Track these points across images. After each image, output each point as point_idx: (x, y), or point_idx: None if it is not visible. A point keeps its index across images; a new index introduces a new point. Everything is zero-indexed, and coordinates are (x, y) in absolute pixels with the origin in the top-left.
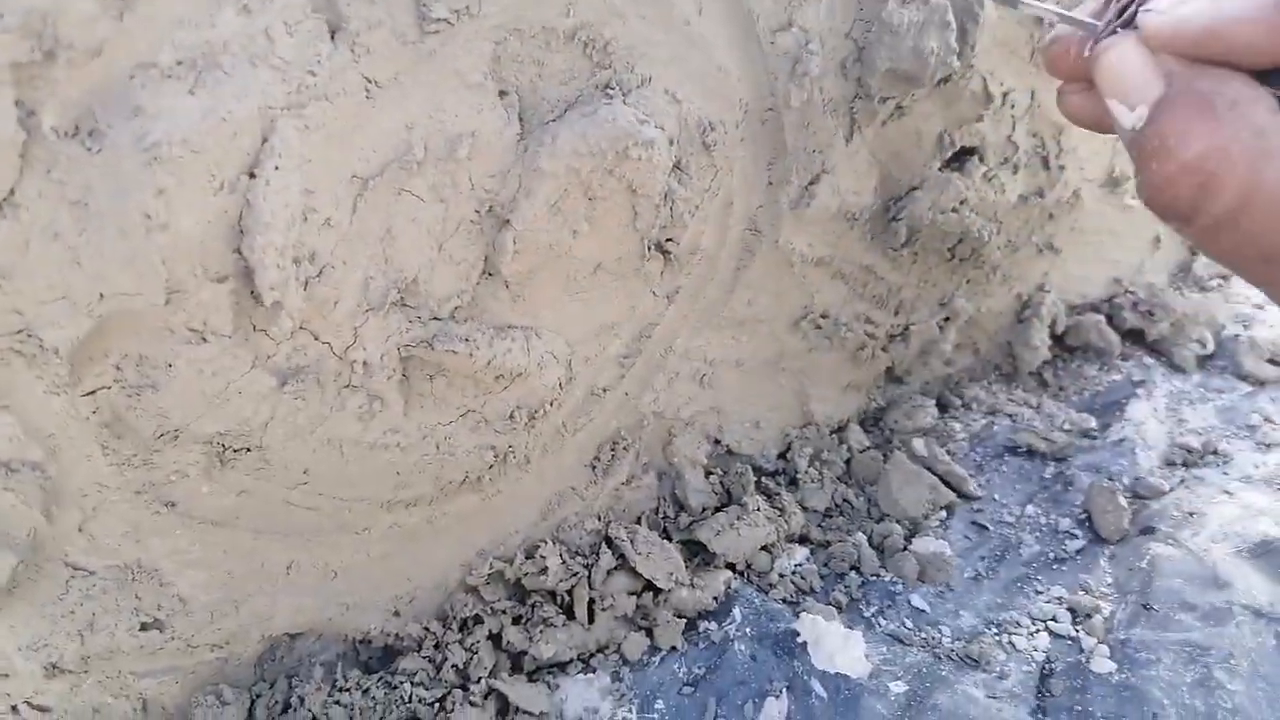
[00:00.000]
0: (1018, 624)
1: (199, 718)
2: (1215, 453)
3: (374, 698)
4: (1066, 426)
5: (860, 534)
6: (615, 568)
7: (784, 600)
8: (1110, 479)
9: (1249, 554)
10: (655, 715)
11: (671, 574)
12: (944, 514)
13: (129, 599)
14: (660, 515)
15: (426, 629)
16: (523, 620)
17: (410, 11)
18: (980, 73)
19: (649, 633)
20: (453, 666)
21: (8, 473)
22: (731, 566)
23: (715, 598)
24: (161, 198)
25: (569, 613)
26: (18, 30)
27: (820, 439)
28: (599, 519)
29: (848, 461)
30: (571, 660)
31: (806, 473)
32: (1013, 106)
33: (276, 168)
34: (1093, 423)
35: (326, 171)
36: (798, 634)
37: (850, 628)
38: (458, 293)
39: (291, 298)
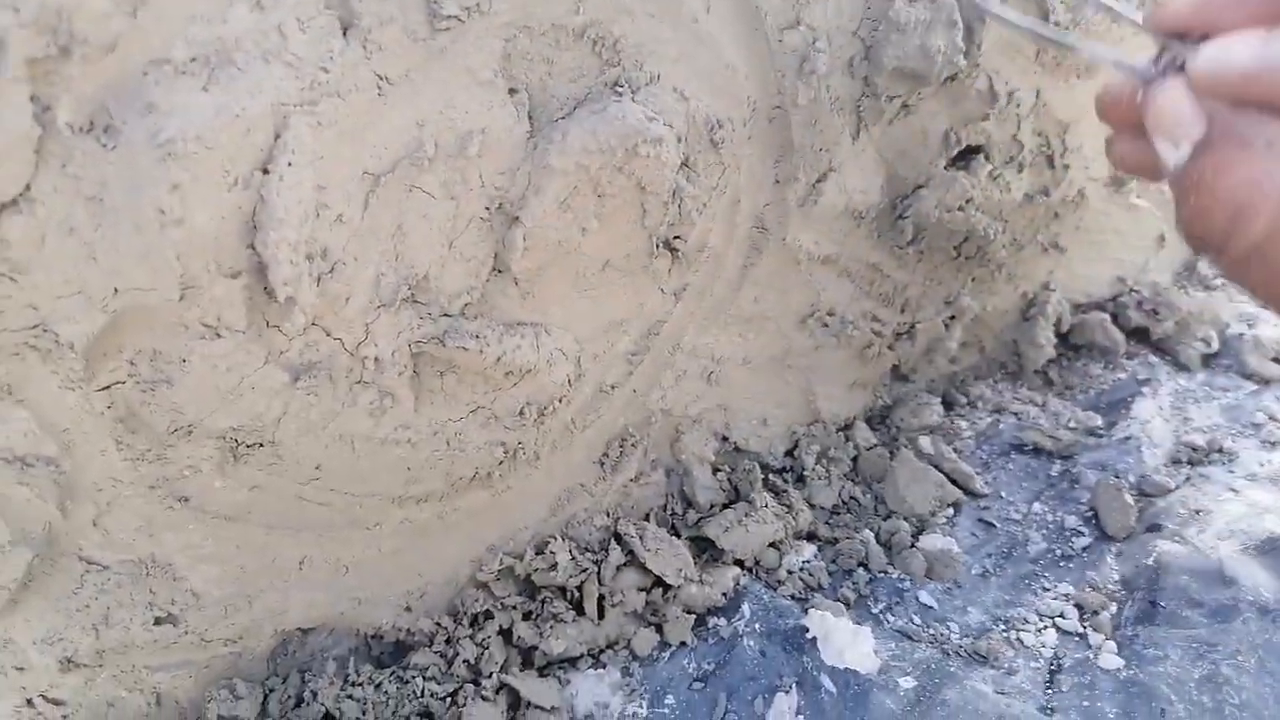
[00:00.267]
0: (1026, 620)
1: (213, 711)
2: (1220, 451)
3: (386, 692)
4: (1072, 424)
5: (868, 531)
6: (625, 564)
7: (792, 596)
8: (1116, 477)
9: (1255, 551)
10: (665, 710)
11: (681, 570)
12: (951, 511)
13: (143, 593)
14: (669, 512)
15: (438, 624)
16: (533, 616)
17: (421, 9)
18: (986, 71)
19: (659, 628)
20: (464, 661)
21: (23, 468)
22: (740, 563)
23: (724, 594)
24: (176, 193)
25: (579, 608)
26: (33, 26)
27: (827, 436)
28: (608, 515)
29: (855, 459)
30: (582, 655)
31: (814, 470)
32: (1018, 105)
33: (290, 164)
34: (1098, 421)
35: (339, 168)
36: (807, 630)
37: (859, 624)
38: (468, 289)
39: (304, 294)
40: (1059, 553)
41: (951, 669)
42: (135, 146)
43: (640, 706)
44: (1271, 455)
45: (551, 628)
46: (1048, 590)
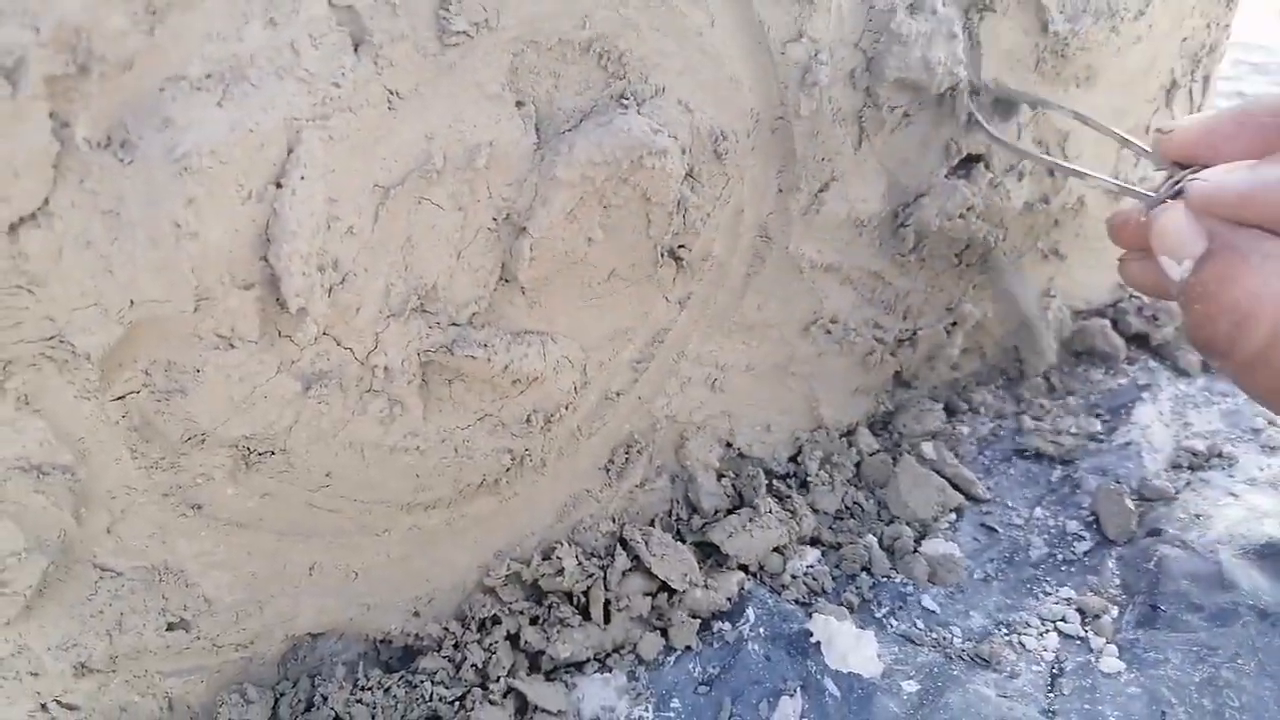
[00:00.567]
0: (1027, 624)
1: (224, 716)
2: (1220, 456)
3: (395, 696)
4: (1073, 430)
5: (871, 536)
6: (630, 569)
7: (796, 601)
8: (1117, 482)
9: (1255, 555)
10: (671, 714)
11: (686, 575)
12: (953, 516)
13: (156, 599)
14: (673, 517)
15: (446, 629)
16: (540, 621)
17: (431, 25)
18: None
19: (664, 633)
20: (472, 666)
21: (39, 476)
22: (744, 568)
23: (729, 598)
24: (191, 207)
25: (585, 613)
26: (52, 45)
27: (830, 442)
28: (613, 521)
29: (858, 464)
30: (588, 660)
31: (817, 475)
32: (1018, 114)
33: (302, 177)
34: (1099, 426)
35: (350, 181)
36: (811, 634)
37: (862, 628)
38: (476, 299)
39: (316, 304)
40: (1060, 557)
41: (954, 672)
42: (151, 161)
43: (646, 710)
44: (1271, 460)
45: (558, 632)
46: (1049, 594)
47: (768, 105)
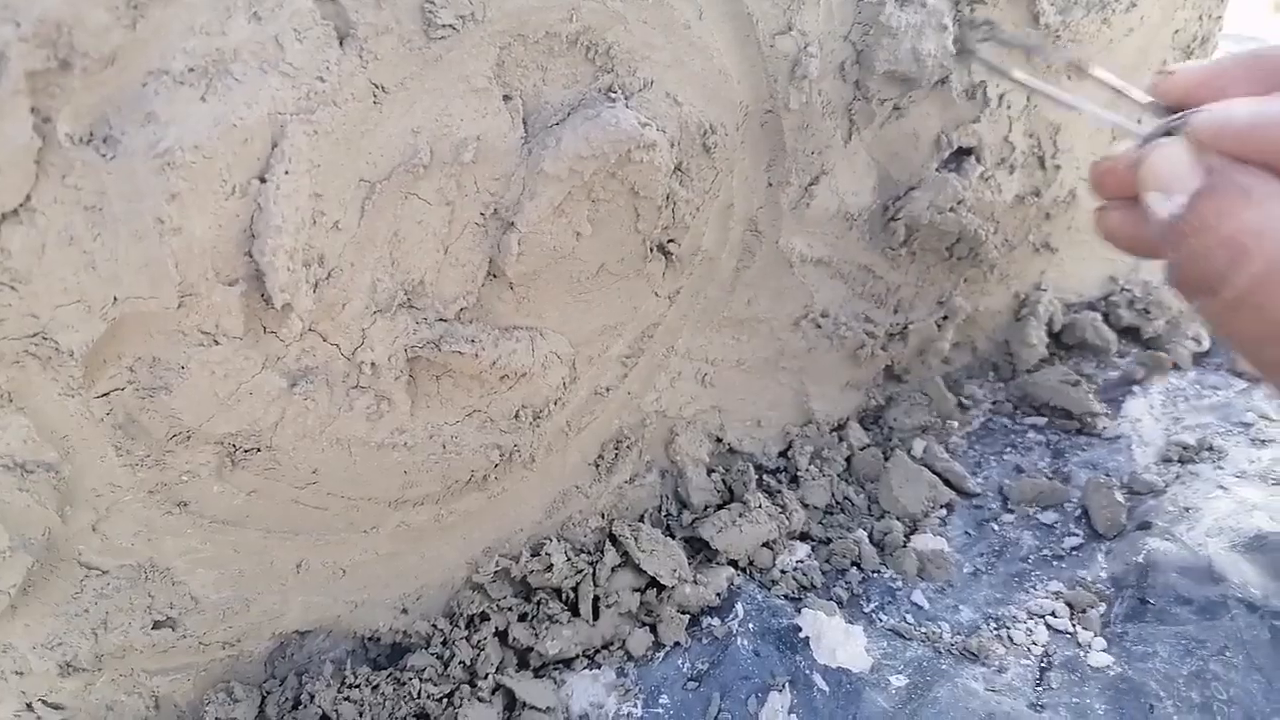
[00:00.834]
0: (1016, 619)
1: (211, 714)
2: (1210, 449)
3: (383, 694)
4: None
5: (861, 531)
6: (619, 565)
7: (786, 596)
8: (1107, 475)
9: (1243, 548)
10: (660, 710)
11: (675, 571)
12: (943, 511)
13: (142, 598)
14: (663, 513)
15: (434, 626)
16: (529, 617)
17: (417, 18)
18: (978, 74)
19: (653, 629)
20: (460, 663)
21: (23, 474)
22: (734, 563)
23: (718, 594)
24: (175, 202)
25: (574, 609)
26: (33, 40)
27: (821, 437)
28: (603, 517)
29: (848, 459)
30: (577, 656)
31: (807, 470)
32: (1009, 107)
33: (287, 172)
34: (1090, 419)
35: (335, 176)
36: (800, 629)
37: (851, 623)
38: (463, 294)
39: (301, 300)
40: (1049, 551)
41: (943, 667)
42: (134, 157)
43: (635, 706)
44: (1260, 453)
45: (547, 629)
46: (1038, 589)
47: (757, 98)
